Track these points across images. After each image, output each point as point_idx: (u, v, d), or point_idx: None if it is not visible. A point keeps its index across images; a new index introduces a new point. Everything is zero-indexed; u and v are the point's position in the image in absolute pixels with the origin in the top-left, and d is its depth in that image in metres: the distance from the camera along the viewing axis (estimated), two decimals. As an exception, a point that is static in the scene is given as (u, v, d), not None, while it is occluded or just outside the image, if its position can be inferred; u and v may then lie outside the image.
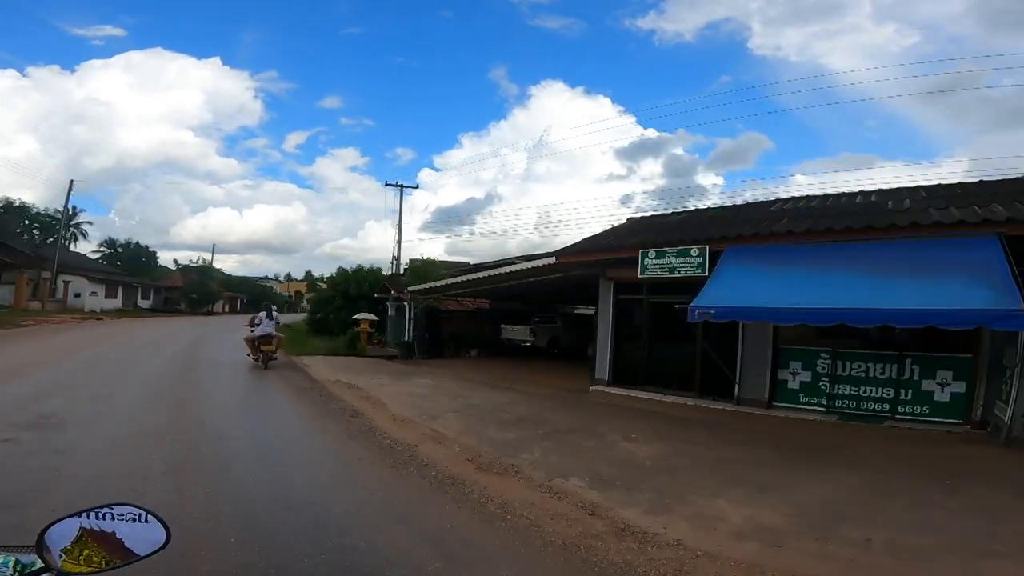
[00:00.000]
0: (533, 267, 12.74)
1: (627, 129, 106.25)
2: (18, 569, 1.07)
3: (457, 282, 16.61)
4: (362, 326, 19.04)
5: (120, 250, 54.89)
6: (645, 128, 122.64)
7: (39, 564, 1.05)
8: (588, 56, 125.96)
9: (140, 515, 1.14)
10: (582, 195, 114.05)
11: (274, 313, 15.19)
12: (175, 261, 52.93)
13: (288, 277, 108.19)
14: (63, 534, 1.08)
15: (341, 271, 29.38)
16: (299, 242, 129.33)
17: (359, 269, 29.15)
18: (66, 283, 38.04)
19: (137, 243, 57.05)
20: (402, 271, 29.37)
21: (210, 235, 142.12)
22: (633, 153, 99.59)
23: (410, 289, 18.07)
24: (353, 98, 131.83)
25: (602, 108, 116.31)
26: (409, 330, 18.81)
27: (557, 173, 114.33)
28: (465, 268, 25.05)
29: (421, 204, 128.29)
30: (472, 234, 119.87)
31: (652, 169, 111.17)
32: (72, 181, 38.30)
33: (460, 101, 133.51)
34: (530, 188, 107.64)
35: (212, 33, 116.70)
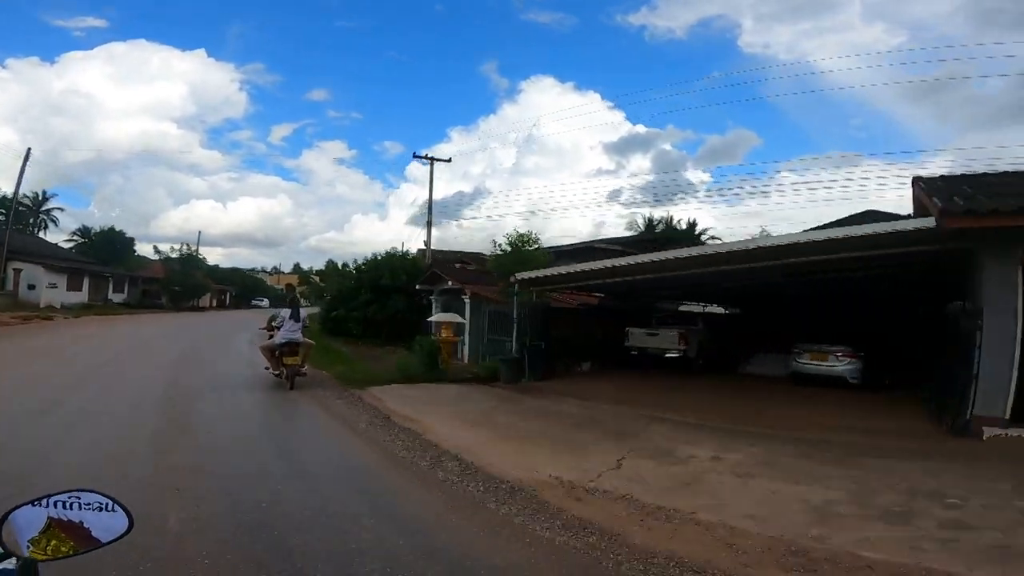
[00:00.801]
0: (858, 237, 6.53)
1: (617, 125, 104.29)
2: None
3: (614, 267, 10.16)
4: (444, 333, 12.80)
5: (94, 238, 47.64)
6: (635, 124, 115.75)
7: None
8: (579, 51, 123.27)
9: (106, 503, 1.14)
10: (571, 190, 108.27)
11: (302, 312, 11.03)
12: (155, 248, 45.72)
13: (276, 270, 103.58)
14: (30, 522, 1.08)
15: (371, 258, 22.86)
16: (284, 235, 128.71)
17: (392, 254, 22.71)
18: (17, 272, 30.91)
19: (112, 228, 49.77)
20: (427, 258, 22.71)
21: (193, 228, 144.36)
22: (622, 148, 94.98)
23: (520, 276, 11.62)
24: (341, 91, 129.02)
25: (592, 104, 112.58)
26: (513, 338, 12.45)
27: (546, 168, 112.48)
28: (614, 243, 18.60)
29: (409, 198, 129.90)
30: (460, 227, 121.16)
31: (641, 164, 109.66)
32: (28, 150, 30.91)
33: (449, 95, 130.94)
34: (519, 182, 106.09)
35: (198, 25, 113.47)
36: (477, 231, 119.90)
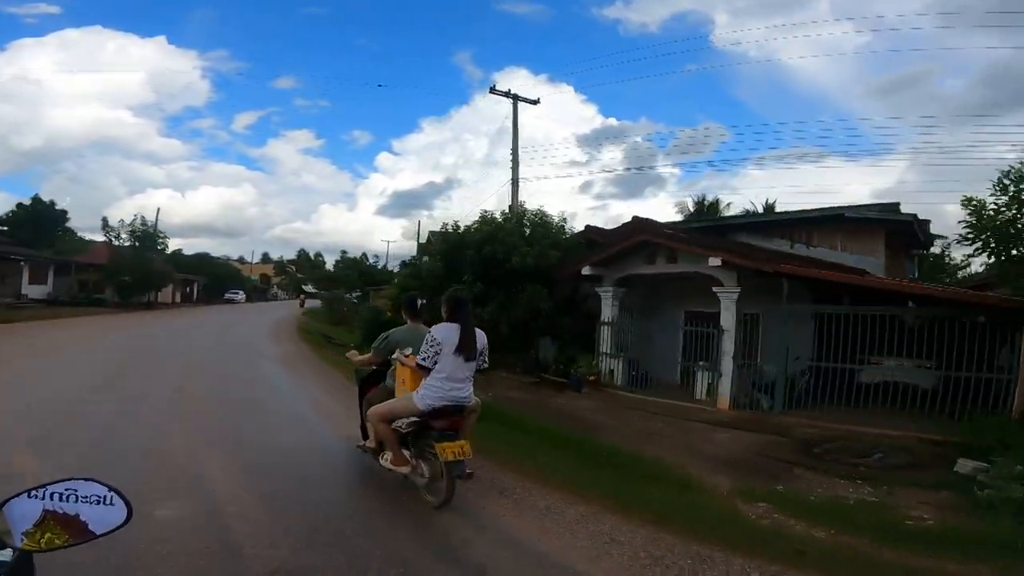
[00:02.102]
0: None
1: (590, 119, 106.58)
2: None
3: None
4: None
5: (10, 215, 36.18)
6: (607, 117, 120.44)
7: None
8: (554, 43, 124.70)
9: (104, 494, 1.11)
10: (543, 182, 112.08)
11: (479, 336, 4.05)
12: (103, 221, 33.92)
13: (241, 259, 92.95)
14: (24, 513, 1.06)
15: (483, 217, 13.15)
16: (248, 225, 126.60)
17: (542, 216, 13.07)
18: None
19: (37, 199, 38.26)
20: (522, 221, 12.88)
21: (148, 218, 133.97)
22: (594, 140, 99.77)
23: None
24: (309, 79, 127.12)
25: (565, 96, 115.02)
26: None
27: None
28: None
29: (377, 187, 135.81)
30: (431, 217, 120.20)
31: (613, 156, 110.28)
32: None
33: (422, 85, 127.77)
34: (490, 173, 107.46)
35: (159, 12, 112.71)
36: (449, 221, 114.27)
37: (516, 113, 17.38)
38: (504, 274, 11.50)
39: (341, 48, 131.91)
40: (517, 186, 17.14)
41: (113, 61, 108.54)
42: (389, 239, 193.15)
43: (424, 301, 4.89)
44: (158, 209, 45.84)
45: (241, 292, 54.08)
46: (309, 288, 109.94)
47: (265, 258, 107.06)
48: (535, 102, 18.06)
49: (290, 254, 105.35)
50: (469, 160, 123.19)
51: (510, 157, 17.36)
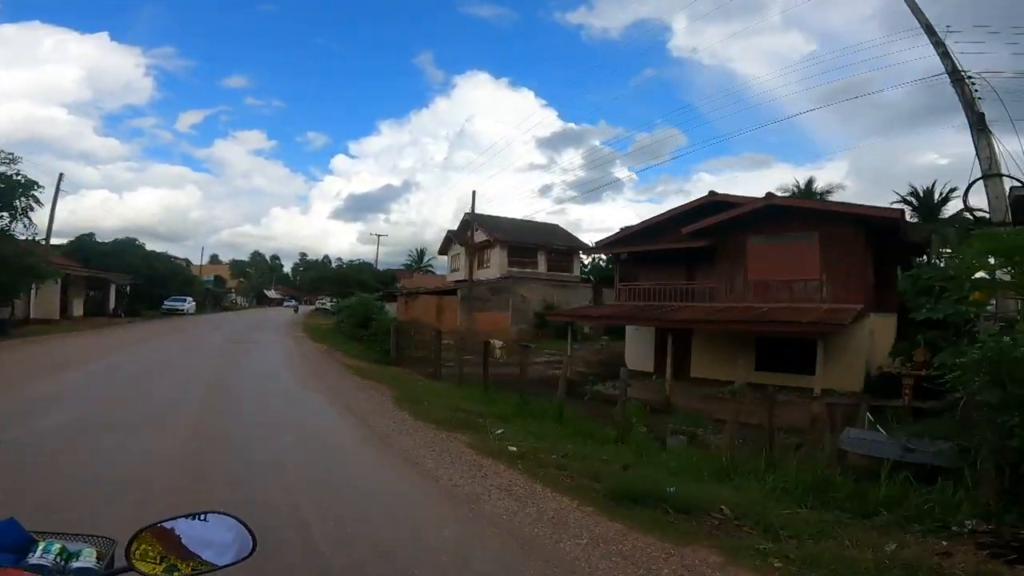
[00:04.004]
0: None
1: (550, 123, 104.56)
2: (63, 556, 1.07)
3: None
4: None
5: None
6: (567, 121, 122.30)
7: (86, 552, 1.09)
8: (516, 47, 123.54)
9: (231, 525, 1.14)
10: (502, 184, 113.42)
11: None
12: None
13: (186, 261, 73.70)
14: (157, 542, 1.09)
15: None
16: (192, 229, 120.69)
17: None
18: None
19: None
20: None
21: (81, 220, 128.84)
22: (555, 143, 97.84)
23: None
24: (262, 78, 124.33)
25: (526, 100, 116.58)
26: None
27: (479, 163, 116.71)
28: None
29: (332, 191, 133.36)
30: (388, 221, 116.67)
31: (572, 160, 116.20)
32: None
33: (381, 87, 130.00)
34: (450, 177, 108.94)
35: (104, 8, 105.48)
36: (406, 226, 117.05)
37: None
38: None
39: (296, 46, 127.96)
40: None
41: (48, 57, 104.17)
42: (380, 235, 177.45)
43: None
44: (60, 175, 27.38)
45: (189, 299, 36.62)
46: (272, 293, 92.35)
47: (214, 260, 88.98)
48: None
49: (240, 258, 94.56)
50: (427, 164, 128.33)
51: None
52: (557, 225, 41.37)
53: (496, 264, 33.38)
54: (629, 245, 17.87)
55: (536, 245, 35.12)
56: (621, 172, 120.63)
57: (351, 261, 36.47)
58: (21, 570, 1.00)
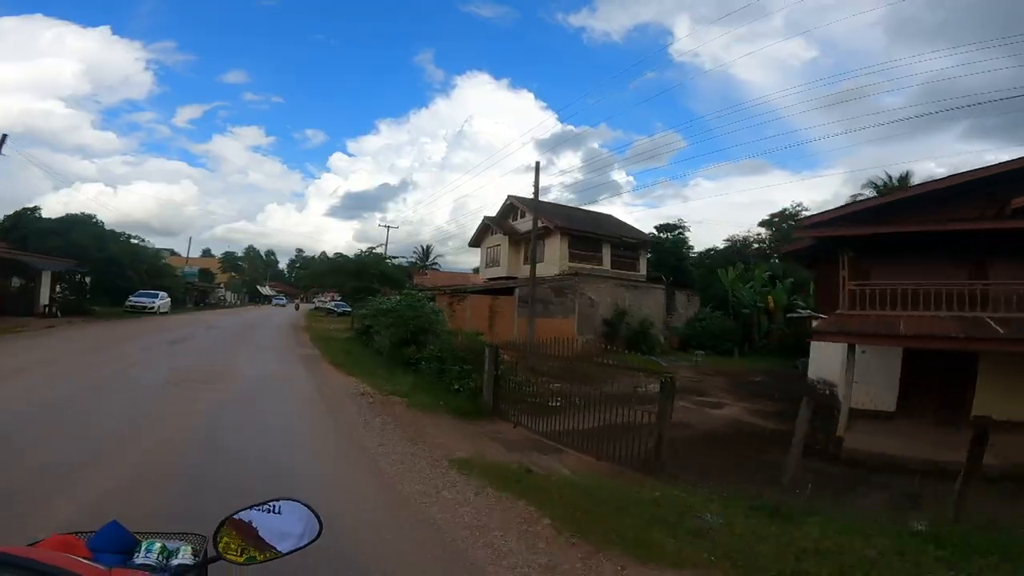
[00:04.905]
0: None
1: (549, 125, 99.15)
2: (164, 554, 1.14)
3: None
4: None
5: None
6: (565, 124, 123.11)
7: (184, 550, 1.17)
8: (517, 48, 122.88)
9: (301, 511, 1.21)
10: (500, 185, 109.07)
11: None
12: None
13: (172, 252, 66.62)
14: (235, 531, 1.18)
15: None
16: (186, 224, 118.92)
17: None
18: None
19: None
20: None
21: (74, 213, 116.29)
22: (553, 145, 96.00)
23: None
24: (261, 74, 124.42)
25: (525, 102, 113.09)
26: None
27: (476, 163, 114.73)
28: None
29: (329, 188, 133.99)
30: (383, 221, 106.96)
31: (571, 162, 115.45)
32: None
33: (380, 85, 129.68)
34: (447, 177, 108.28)
35: (105, 1, 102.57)
36: (402, 224, 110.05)
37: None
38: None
39: (298, 43, 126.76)
40: None
41: (47, 50, 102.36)
42: (389, 225, 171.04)
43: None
44: (3, 135, 19.95)
45: (162, 294, 29.25)
46: (267, 290, 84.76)
47: (206, 254, 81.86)
48: None
49: (239, 252, 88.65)
50: (425, 163, 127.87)
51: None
52: (611, 215, 34.42)
53: (554, 258, 26.37)
54: (863, 225, 10.92)
55: (600, 236, 28.12)
56: (619, 176, 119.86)
57: (368, 248, 28.89)
58: (132, 570, 1.08)
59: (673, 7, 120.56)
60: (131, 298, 27.07)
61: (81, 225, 23.08)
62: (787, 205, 51.60)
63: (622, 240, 28.69)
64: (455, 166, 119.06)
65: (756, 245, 50.93)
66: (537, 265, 26.94)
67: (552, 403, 8.10)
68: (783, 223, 51.96)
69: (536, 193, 21.89)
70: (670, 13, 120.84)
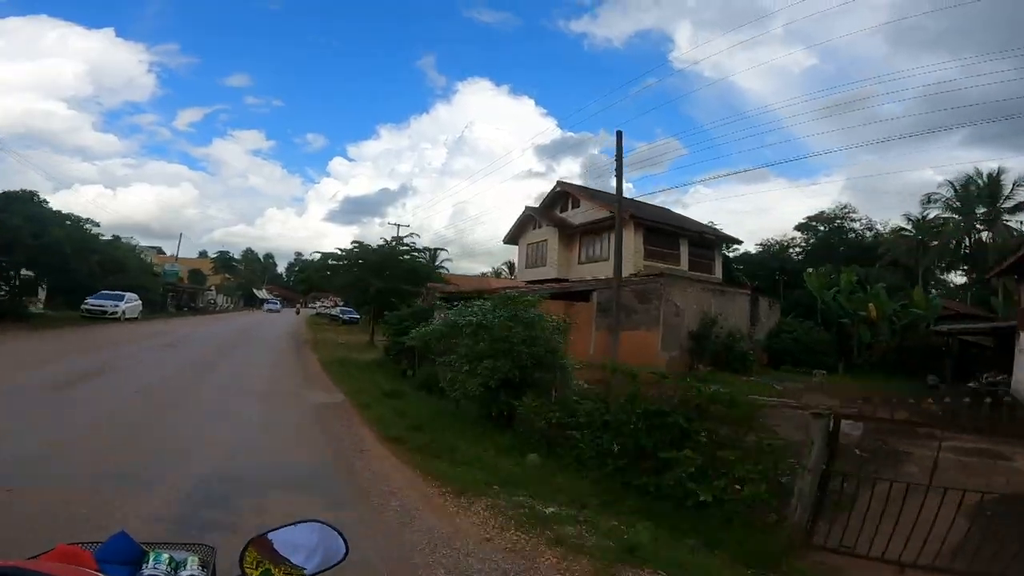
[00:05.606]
0: None
1: (549, 131, 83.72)
2: (172, 565, 1.09)
3: None
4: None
5: None
6: (565, 130, 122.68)
7: (192, 561, 1.11)
8: (518, 53, 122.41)
9: (326, 532, 1.17)
10: (499, 191, 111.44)
11: None
12: None
13: (159, 250, 60.22)
14: (260, 551, 1.13)
15: None
16: (185, 226, 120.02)
17: None
18: None
19: None
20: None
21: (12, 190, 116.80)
22: (553, 151, 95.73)
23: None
24: (263, 77, 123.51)
25: (526, 109, 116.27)
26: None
27: (476, 169, 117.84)
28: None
29: (328, 193, 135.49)
30: (383, 225, 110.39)
31: (571, 168, 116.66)
32: None
33: (381, 89, 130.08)
34: (447, 183, 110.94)
35: (111, 3, 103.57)
36: (402, 229, 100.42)
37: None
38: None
39: (300, 46, 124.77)
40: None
41: (50, 51, 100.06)
42: (400, 224, 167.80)
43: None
44: None
45: (129, 296, 23.56)
46: (263, 294, 78.76)
47: (203, 255, 76.34)
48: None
49: (237, 255, 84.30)
50: (425, 168, 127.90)
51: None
52: (668, 209, 29.08)
53: (627, 255, 20.98)
54: None
55: (677, 229, 22.73)
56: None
57: (395, 239, 22.74)
58: None
59: (674, 14, 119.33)
60: (88, 300, 21.50)
61: (16, 203, 17.47)
62: (826, 207, 47.13)
63: (701, 236, 23.33)
64: (455, 172, 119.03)
65: (794, 248, 45.67)
66: (602, 264, 21.62)
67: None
68: (821, 225, 46.58)
69: (619, 171, 16.34)
70: (671, 19, 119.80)
